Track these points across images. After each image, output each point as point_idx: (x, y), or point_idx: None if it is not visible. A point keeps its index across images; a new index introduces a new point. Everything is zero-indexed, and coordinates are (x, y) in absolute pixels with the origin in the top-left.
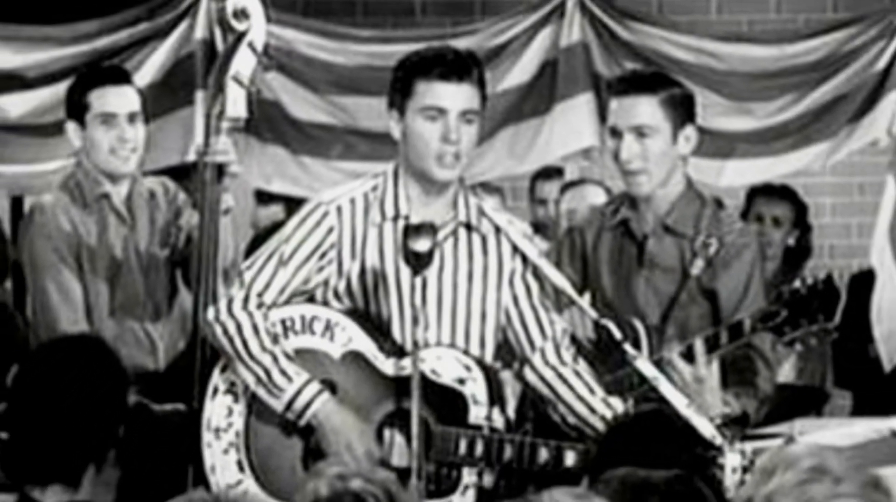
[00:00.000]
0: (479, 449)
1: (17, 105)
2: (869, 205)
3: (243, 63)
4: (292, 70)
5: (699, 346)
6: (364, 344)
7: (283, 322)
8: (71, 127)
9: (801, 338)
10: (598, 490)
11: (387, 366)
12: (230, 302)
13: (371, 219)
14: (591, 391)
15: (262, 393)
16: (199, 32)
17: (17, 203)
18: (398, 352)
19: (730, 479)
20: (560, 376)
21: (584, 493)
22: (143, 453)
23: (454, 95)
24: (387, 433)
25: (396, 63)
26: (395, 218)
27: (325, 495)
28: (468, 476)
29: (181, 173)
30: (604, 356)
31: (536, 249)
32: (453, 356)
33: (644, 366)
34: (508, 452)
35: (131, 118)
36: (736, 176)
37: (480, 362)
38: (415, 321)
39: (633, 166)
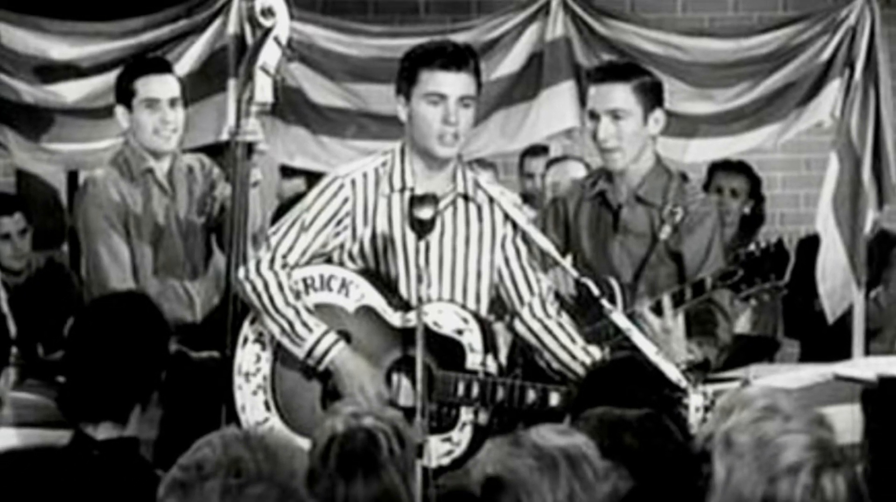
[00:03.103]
0: (475, 391)
1: (73, 91)
2: (814, 178)
3: (270, 55)
4: (312, 61)
5: (666, 301)
6: (375, 299)
7: (304, 280)
8: (120, 110)
9: (756, 294)
10: (579, 426)
11: (394, 318)
12: (258, 263)
13: (381, 191)
14: (573, 340)
15: (286, 342)
16: (232, 28)
17: (72, 177)
18: (404, 306)
19: (693, 417)
20: (546, 327)
21: (566, 429)
22: (182, 394)
23: (453, 83)
24: (394, 377)
25: (403, 55)
26: (402, 189)
27: (340, 431)
28: (465, 414)
29: (216, 151)
30: (583, 310)
31: (525, 217)
32: (453, 310)
33: (619, 318)
34: (501, 394)
35: (172, 103)
36: (699, 153)
37: (476, 315)
38: (419, 279)
39: (609, 145)
